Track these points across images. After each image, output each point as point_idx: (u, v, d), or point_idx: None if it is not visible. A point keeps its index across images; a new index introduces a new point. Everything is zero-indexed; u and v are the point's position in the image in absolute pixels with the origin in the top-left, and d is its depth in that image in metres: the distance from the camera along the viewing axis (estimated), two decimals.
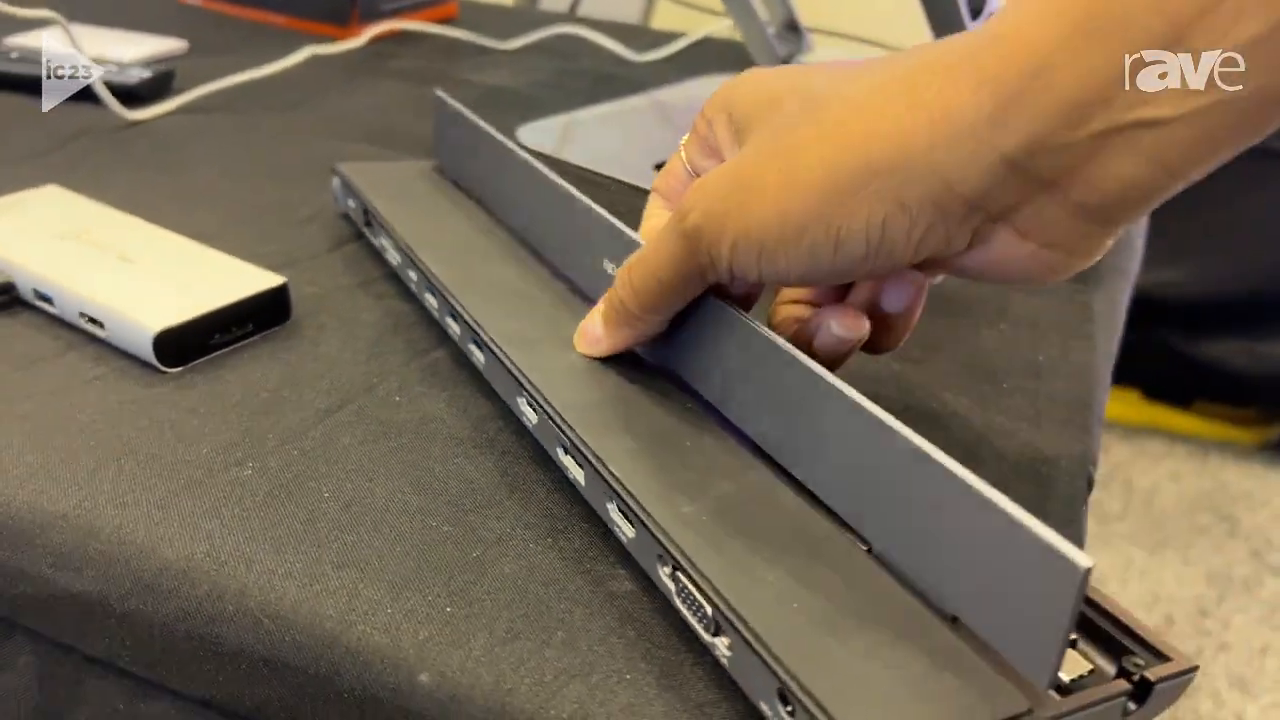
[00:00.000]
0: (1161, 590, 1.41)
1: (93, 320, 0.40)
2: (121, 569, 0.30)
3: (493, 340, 0.38)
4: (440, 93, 0.52)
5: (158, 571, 0.30)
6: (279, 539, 0.31)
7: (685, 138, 0.37)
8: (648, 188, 0.60)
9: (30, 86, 0.66)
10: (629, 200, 0.58)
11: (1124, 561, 1.46)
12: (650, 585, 0.30)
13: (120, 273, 0.42)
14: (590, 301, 0.39)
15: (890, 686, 0.25)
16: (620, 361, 0.37)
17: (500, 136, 0.47)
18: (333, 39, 0.81)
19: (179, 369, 0.39)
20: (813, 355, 0.31)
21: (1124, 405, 1.76)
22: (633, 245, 0.36)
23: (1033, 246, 0.28)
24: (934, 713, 0.24)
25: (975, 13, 0.58)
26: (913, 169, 0.27)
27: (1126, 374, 1.70)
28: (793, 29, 0.74)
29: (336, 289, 0.46)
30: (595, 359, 0.37)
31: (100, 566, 0.30)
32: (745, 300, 0.35)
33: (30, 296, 0.42)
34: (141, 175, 0.56)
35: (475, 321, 0.39)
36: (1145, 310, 1.28)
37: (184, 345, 0.40)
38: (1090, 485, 0.39)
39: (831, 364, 0.33)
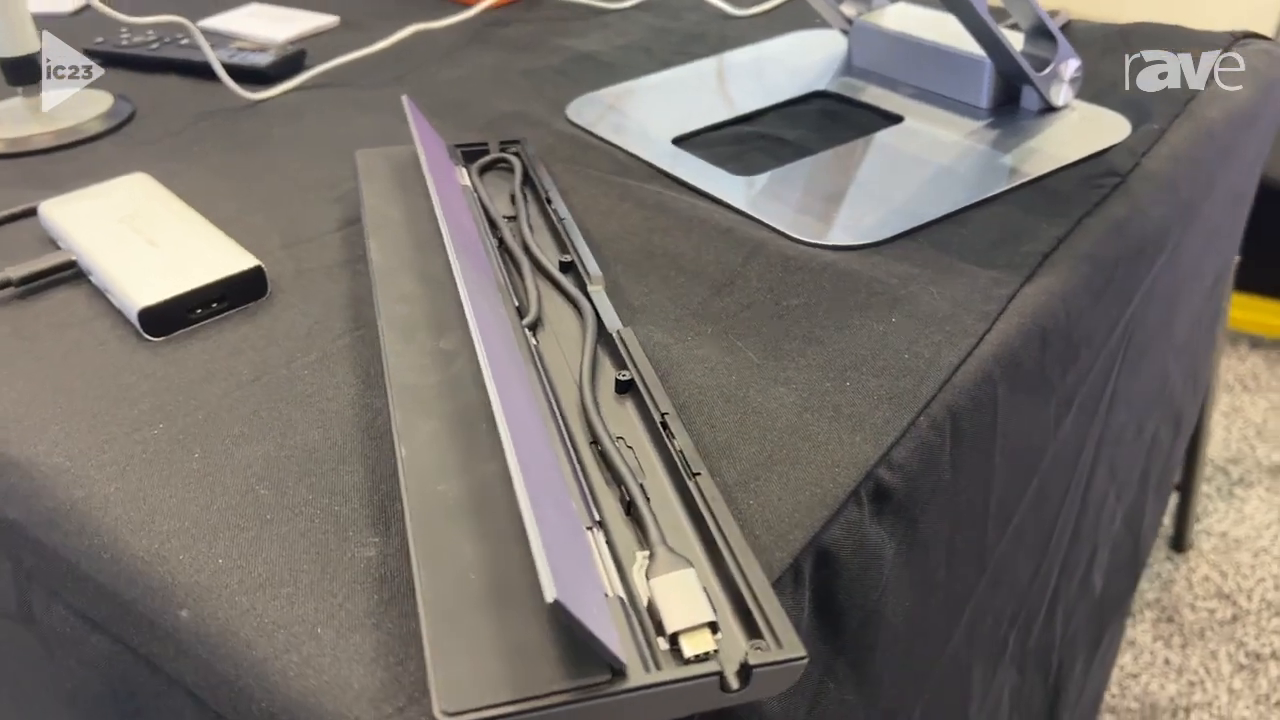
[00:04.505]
0: None
1: (111, 294, 0.51)
2: (32, 497, 0.40)
3: (380, 322, 0.45)
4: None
5: (53, 507, 0.40)
6: (147, 487, 0.39)
7: None
8: (660, 165, 0.63)
9: (193, 70, 0.79)
10: (644, 184, 0.61)
11: None
12: (395, 551, 0.36)
13: (140, 254, 0.52)
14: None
15: (498, 651, 0.30)
16: (472, 351, 0.42)
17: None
18: (461, 8, 0.89)
19: (161, 338, 0.49)
20: None
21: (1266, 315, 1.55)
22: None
23: None
24: (524, 672, 0.29)
25: None
26: None
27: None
28: None
29: (322, 266, 0.54)
30: (454, 348, 0.43)
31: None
32: None
33: (86, 272, 0.53)
34: (229, 155, 0.67)
35: (377, 302, 0.46)
36: None
37: (166, 318, 0.49)
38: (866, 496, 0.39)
39: None
